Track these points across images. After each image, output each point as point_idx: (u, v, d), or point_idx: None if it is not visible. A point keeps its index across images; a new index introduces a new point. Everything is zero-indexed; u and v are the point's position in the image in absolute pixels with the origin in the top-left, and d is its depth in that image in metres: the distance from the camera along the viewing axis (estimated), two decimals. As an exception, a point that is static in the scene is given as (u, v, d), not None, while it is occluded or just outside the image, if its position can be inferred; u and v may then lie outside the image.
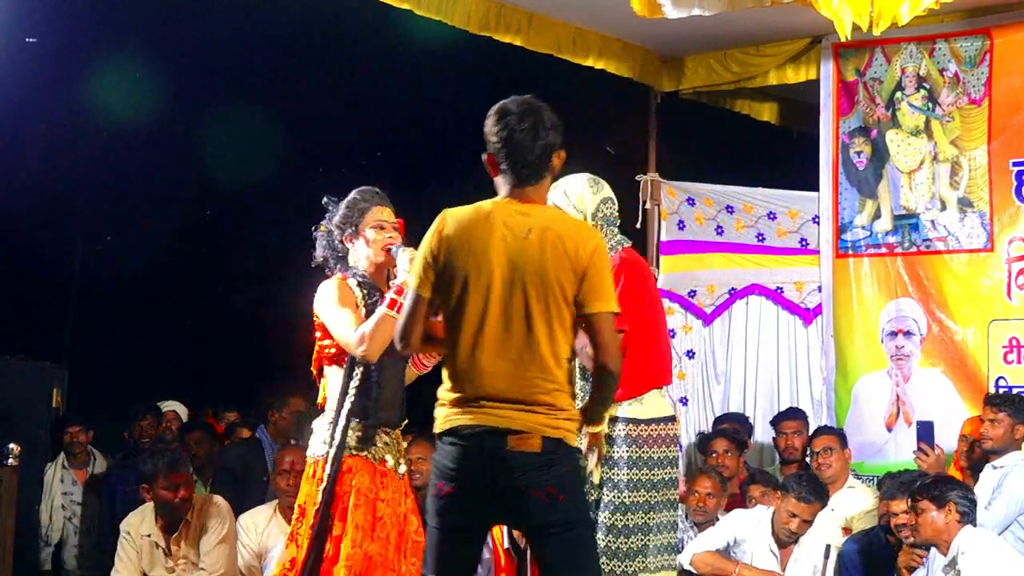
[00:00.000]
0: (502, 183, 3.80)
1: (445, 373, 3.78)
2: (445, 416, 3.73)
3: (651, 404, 4.79)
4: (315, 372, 4.51)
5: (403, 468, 4.43)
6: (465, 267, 3.68)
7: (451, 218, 3.76)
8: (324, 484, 4.23)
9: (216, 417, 8.64)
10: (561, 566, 3.68)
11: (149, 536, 6.09)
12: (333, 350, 4.36)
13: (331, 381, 4.41)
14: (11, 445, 5.99)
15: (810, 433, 7.18)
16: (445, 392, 3.75)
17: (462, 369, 3.69)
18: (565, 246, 3.68)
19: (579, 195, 4.81)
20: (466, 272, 3.68)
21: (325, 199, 4.57)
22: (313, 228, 4.58)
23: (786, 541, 6.08)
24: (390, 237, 4.42)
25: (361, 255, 4.46)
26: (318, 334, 4.41)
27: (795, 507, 6.05)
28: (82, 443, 7.85)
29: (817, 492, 6.16)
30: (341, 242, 4.50)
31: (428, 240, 3.76)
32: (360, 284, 4.38)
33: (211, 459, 7.73)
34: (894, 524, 5.84)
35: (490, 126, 3.76)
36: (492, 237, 3.69)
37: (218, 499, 6.25)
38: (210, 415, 9.06)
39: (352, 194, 4.53)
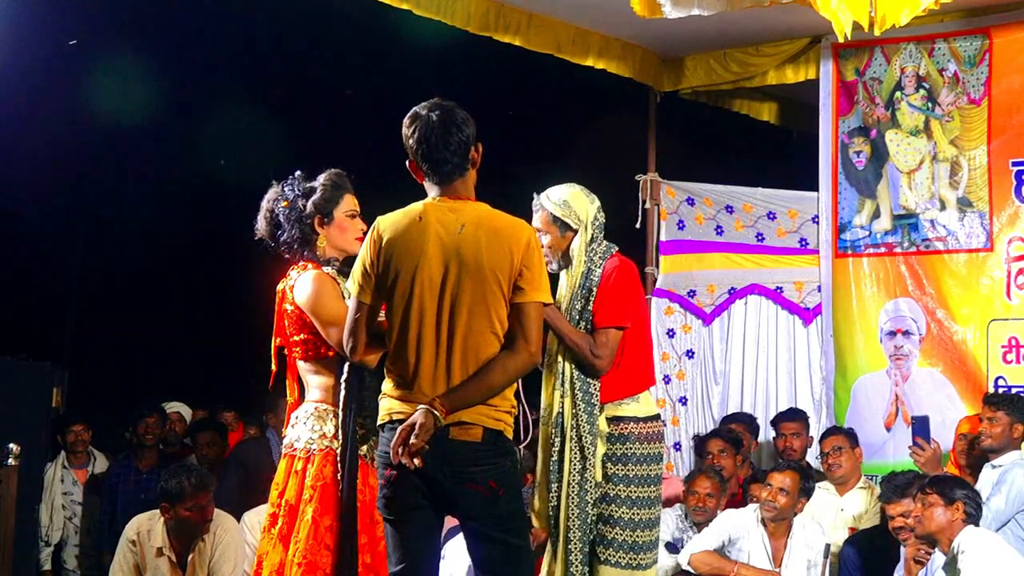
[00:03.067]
0: (429, 186, 3.95)
1: (388, 368, 3.90)
2: (388, 408, 3.86)
3: (645, 403, 4.91)
4: (275, 365, 4.38)
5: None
6: (404, 268, 3.82)
7: (385, 224, 3.90)
8: (343, 487, 4.11)
9: (214, 417, 8.63)
10: (480, 554, 3.84)
11: (161, 550, 5.92)
12: (310, 343, 4.23)
13: (311, 375, 4.29)
14: (11, 445, 5.94)
15: (810, 434, 7.22)
16: (389, 386, 3.88)
17: (405, 364, 3.82)
18: (500, 239, 3.82)
19: (579, 204, 4.90)
20: (405, 272, 3.82)
21: (298, 173, 4.40)
22: (273, 199, 4.37)
23: (774, 520, 6.11)
24: (362, 229, 4.32)
25: (333, 242, 4.34)
26: (291, 328, 4.27)
27: (772, 478, 6.14)
28: (85, 442, 7.84)
29: (794, 466, 6.27)
30: (311, 224, 4.33)
31: (366, 248, 3.91)
32: (340, 273, 4.28)
33: (221, 460, 7.74)
34: (892, 527, 5.85)
35: (405, 132, 3.91)
36: (427, 236, 3.82)
37: (229, 520, 6.09)
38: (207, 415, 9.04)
39: (328, 176, 4.38)
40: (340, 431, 4.16)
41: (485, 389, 3.78)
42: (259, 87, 10.31)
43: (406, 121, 3.92)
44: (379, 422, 3.89)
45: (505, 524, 3.83)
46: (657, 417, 4.95)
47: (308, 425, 4.25)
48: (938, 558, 5.48)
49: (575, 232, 4.88)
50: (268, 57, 10.12)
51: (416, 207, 3.91)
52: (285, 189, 4.38)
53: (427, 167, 3.90)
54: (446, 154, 3.87)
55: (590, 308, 4.80)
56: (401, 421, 3.77)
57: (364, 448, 4.20)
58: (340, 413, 4.15)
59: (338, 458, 4.16)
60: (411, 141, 3.89)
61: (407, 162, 3.96)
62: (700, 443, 7.29)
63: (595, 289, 4.81)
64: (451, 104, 3.92)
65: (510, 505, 3.84)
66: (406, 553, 3.85)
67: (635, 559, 4.78)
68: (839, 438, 6.76)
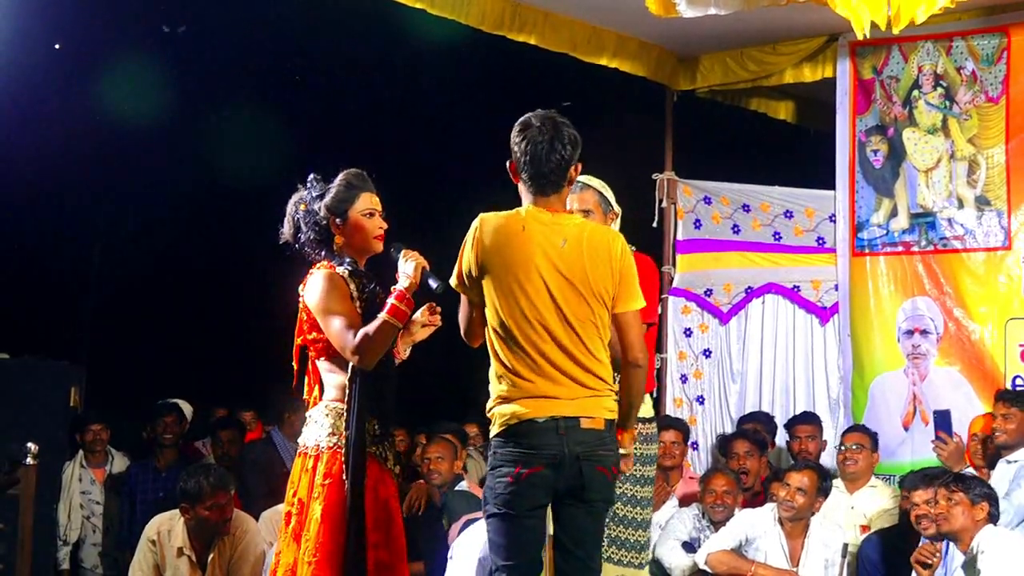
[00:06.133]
0: (524, 190, 4.12)
1: (504, 372, 4.05)
2: (513, 411, 4.03)
3: (648, 403, 4.92)
4: (296, 364, 4.39)
5: (397, 468, 4.36)
6: (511, 278, 4.00)
7: (487, 228, 4.06)
8: (348, 488, 4.11)
9: (234, 415, 8.64)
10: (587, 531, 4.13)
11: (181, 550, 5.93)
12: (325, 342, 4.22)
13: (327, 374, 4.29)
14: (29, 444, 5.97)
15: (824, 438, 7.20)
16: (510, 390, 4.04)
17: (527, 369, 4.02)
18: (600, 252, 4.05)
19: (611, 193, 4.91)
20: (513, 282, 4.00)
21: (313, 175, 4.40)
22: (295, 203, 4.39)
23: (792, 519, 6.12)
24: (381, 227, 4.33)
25: (351, 242, 4.32)
26: (306, 327, 4.28)
27: (790, 478, 6.16)
28: (103, 441, 7.86)
29: (811, 465, 6.30)
30: (327, 226, 4.33)
31: (469, 249, 4.07)
32: (352, 274, 4.27)
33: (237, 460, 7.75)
34: (914, 516, 5.84)
35: (513, 137, 4.10)
36: (531, 248, 4.01)
37: (249, 520, 6.10)
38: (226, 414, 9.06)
39: (343, 176, 4.36)
40: (345, 429, 4.18)
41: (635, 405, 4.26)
42: (272, 88, 10.33)
43: (517, 127, 4.10)
44: (501, 426, 4.04)
45: (610, 504, 4.24)
46: (654, 419, 5.00)
47: (320, 424, 4.26)
48: (957, 557, 5.47)
49: (615, 217, 4.86)
50: (280, 58, 10.13)
51: (519, 215, 4.07)
52: (304, 192, 4.41)
53: (526, 176, 4.08)
54: (546, 170, 4.05)
55: None
56: (532, 421, 3.98)
57: (374, 447, 4.21)
58: (345, 412, 4.18)
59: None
60: (516, 148, 4.08)
61: (508, 162, 4.12)
62: (725, 443, 7.28)
63: None
64: (563, 121, 4.09)
65: (615, 484, 4.26)
66: (523, 547, 4.05)
67: (637, 558, 4.81)
68: (862, 437, 6.76)
